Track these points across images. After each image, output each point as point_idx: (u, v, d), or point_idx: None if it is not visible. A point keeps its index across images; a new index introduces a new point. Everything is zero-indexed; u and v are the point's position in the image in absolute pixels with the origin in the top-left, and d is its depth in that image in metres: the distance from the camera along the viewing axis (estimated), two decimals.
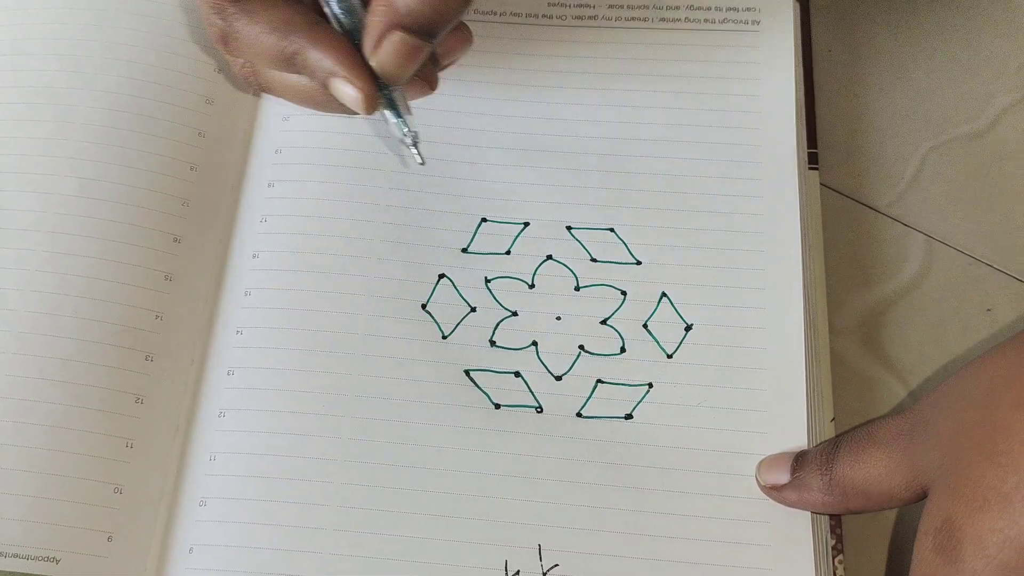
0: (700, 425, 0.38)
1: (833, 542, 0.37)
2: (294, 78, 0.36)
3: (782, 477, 0.36)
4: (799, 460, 0.36)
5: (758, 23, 0.44)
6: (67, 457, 0.37)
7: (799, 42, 0.45)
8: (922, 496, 0.32)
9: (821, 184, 0.44)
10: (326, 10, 0.35)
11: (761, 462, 0.37)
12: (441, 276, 0.41)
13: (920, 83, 0.47)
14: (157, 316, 0.40)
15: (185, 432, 0.39)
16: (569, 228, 0.42)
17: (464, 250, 0.42)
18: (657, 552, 0.36)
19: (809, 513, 0.37)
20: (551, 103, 0.44)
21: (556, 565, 0.36)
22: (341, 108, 0.36)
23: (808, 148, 0.43)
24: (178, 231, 0.41)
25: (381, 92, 0.35)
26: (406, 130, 0.37)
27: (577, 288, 0.41)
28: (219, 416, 0.39)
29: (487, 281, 0.41)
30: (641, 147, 0.43)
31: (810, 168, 0.43)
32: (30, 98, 0.42)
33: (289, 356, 0.40)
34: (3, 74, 0.43)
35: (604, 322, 0.40)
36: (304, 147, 0.44)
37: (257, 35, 0.34)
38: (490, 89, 0.44)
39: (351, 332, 0.40)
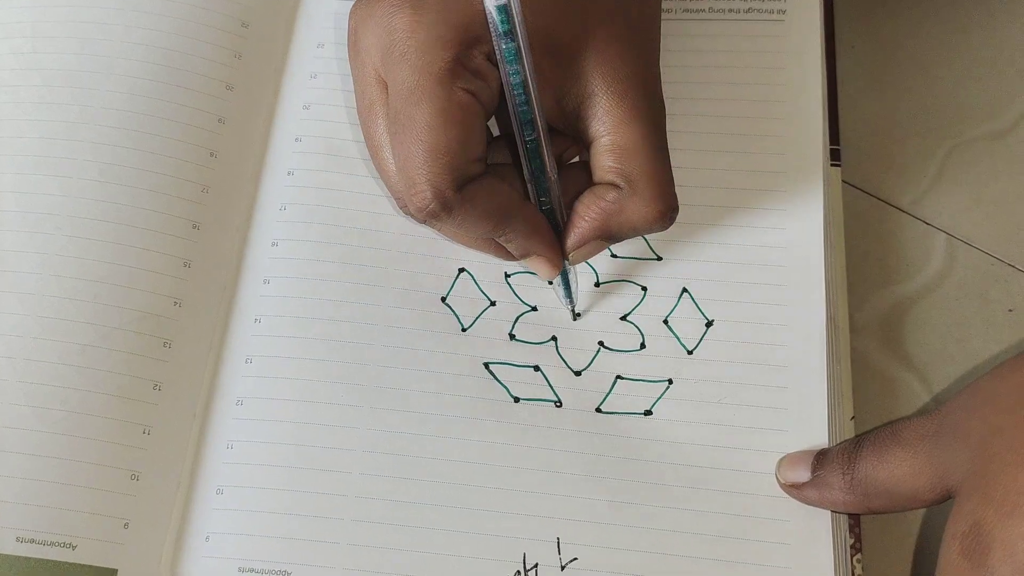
0: (720, 422, 0.38)
1: (852, 541, 0.37)
2: (490, 246, 0.37)
3: (803, 475, 0.36)
4: (820, 459, 0.36)
5: (783, 12, 0.44)
6: (84, 443, 0.37)
7: (822, 38, 0.44)
8: (946, 498, 0.32)
9: (843, 181, 0.44)
10: (530, 190, 0.36)
11: (781, 460, 0.37)
12: (461, 270, 0.41)
13: (943, 81, 0.46)
14: (176, 303, 0.40)
15: (202, 420, 0.39)
16: None
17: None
18: (675, 547, 0.36)
19: (828, 512, 0.36)
20: None
21: (575, 559, 0.36)
22: (506, 257, 0.38)
23: (831, 145, 0.43)
24: (197, 218, 0.41)
25: None
26: (570, 298, 0.40)
27: (597, 284, 0.41)
28: (237, 404, 0.39)
29: (507, 275, 0.41)
30: None
31: (832, 165, 0.43)
32: (51, 82, 0.42)
33: (308, 345, 0.39)
34: (24, 57, 0.42)
35: (624, 318, 0.40)
36: (325, 137, 0.43)
37: (473, 222, 0.34)
38: None
39: (370, 323, 0.40)
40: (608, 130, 0.34)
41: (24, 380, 0.37)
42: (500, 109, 0.35)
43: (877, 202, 0.44)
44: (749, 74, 0.43)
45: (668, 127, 0.42)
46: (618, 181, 0.35)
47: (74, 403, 0.37)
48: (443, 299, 0.41)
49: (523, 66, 0.33)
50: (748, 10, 0.45)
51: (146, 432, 0.38)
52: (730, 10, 0.45)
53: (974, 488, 0.30)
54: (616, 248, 0.41)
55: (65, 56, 0.42)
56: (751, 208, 0.41)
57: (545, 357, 0.40)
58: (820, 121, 0.42)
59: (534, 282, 0.41)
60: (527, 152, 0.35)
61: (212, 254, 0.41)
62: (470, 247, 0.38)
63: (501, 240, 0.36)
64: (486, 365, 0.39)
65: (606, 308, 0.40)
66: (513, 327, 0.40)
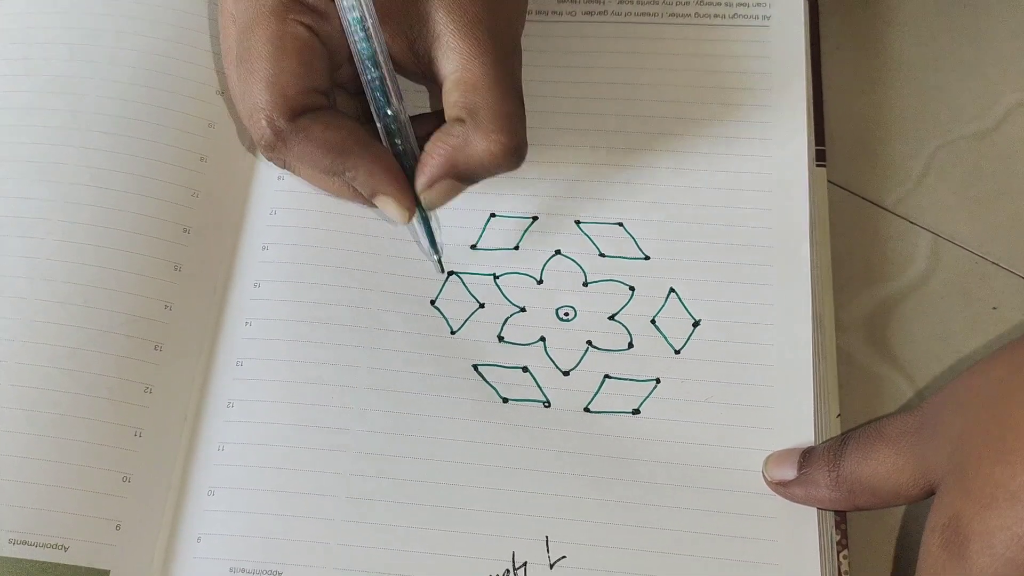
0: (707, 420, 0.38)
1: (838, 537, 0.37)
2: (336, 182, 0.37)
3: (789, 473, 0.36)
4: (806, 456, 0.36)
5: (768, 18, 0.45)
6: (76, 445, 0.37)
7: (808, 39, 0.45)
8: (930, 493, 0.33)
9: (828, 181, 0.44)
10: (378, 125, 0.36)
11: (768, 458, 0.37)
12: (450, 273, 0.41)
13: (928, 82, 0.47)
14: (166, 306, 0.40)
15: (194, 422, 0.39)
16: (578, 222, 0.42)
17: (473, 247, 0.42)
18: (663, 545, 0.37)
19: (815, 509, 0.37)
20: (559, 98, 0.44)
21: (563, 557, 0.37)
22: (361, 201, 0.37)
23: (816, 145, 0.44)
24: (188, 222, 0.41)
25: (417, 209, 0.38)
26: (434, 245, 0.40)
27: (585, 284, 0.41)
28: (228, 406, 0.39)
29: (496, 277, 0.41)
30: (650, 141, 0.43)
31: (818, 165, 0.43)
32: (41, 87, 0.42)
33: (298, 348, 0.40)
34: (15, 63, 0.43)
35: (612, 317, 0.40)
36: None
37: (311, 152, 0.35)
38: None
39: (360, 326, 0.40)
40: (455, 68, 0.35)
41: (15, 383, 0.37)
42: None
43: (862, 202, 0.45)
44: (735, 78, 0.44)
45: (655, 129, 0.43)
46: (462, 115, 0.35)
47: (65, 406, 0.37)
48: (432, 302, 0.41)
49: (360, 2, 0.34)
50: (733, 15, 0.45)
51: (137, 434, 0.38)
52: (716, 15, 0.45)
53: (953, 482, 0.31)
54: (604, 248, 0.41)
55: (55, 62, 0.43)
56: (738, 208, 0.41)
57: (533, 358, 0.40)
58: (805, 123, 0.43)
59: (522, 283, 0.41)
60: (372, 91, 0.35)
61: (203, 258, 0.41)
62: (323, 188, 0.38)
63: (347, 178, 0.36)
64: (475, 367, 0.40)
65: (594, 308, 0.40)
66: (502, 329, 0.40)
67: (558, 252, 0.41)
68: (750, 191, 0.42)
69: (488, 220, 0.42)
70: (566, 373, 0.40)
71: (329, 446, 0.38)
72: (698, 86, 0.44)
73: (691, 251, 0.41)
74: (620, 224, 0.42)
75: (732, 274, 0.40)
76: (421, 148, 0.37)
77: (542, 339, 0.40)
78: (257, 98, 0.34)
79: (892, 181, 0.45)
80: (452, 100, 0.35)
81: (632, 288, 0.41)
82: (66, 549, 0.36)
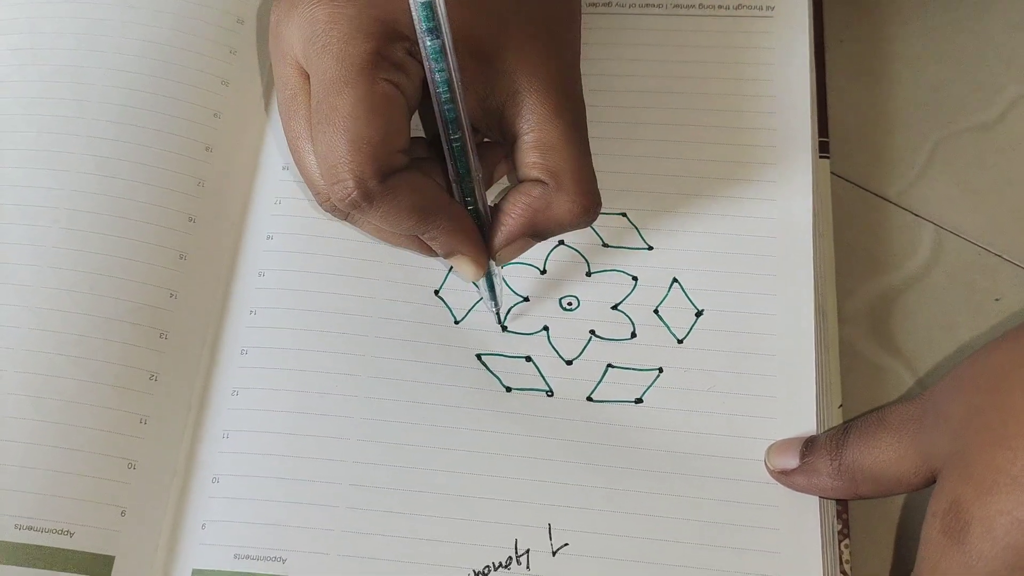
0: (709, 410, 0.39)
1: (840, 527, 0.37)
2: (414, 242, 0.37)
3: (791, 462, 0.36)
4: (808, 445, 0.36)
5: (772, 9, 0.45)
6: (81, 432, 0.37)
7: (811, 32, 0.45)
8: (932, 481, 0.33)
9: (832, 173, 0.44)
10: (455, 190, 0.36)
11: (770, 447, 0.38)
12: None
13: (931, 74, 0.47)
14: (172, 295, 0.40)
15: (198, 409, 0.39)
16: None
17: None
18: (665, 533, 0.37)
19: (816, 498, 0.37)
20: None
21: (566, 544, 0.37)
22: (427, 254, 0.38)
23: (819, 137, 0.44)
24: (193, 211, 0.42)
25: None
26: (494, 300, 0.40)
27: (588, 274, 0.41)
28: (232, 395, 0.39)
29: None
30: (654, 132, 0.43)
31: (821, 157, 0.44)
32: (48, 77, 0.42)
33: (303, 336, 0.40)
34: (22, 53, 0.43)
35: (615, 307, 0.41)
36: None
37: (396, 215, 0.34)
38: None
39: (364, 315, 0.40)
40: (531, 128, 0.35)
41: (21, 370, 0.38)
42: (423, 109, 0.36)
43: (865, 193, 0.45)
44: (738, 69, 0.44)
45: (658, 120, 0.43)
46: (543, 177, 0.35)
47: (71, 393, 0.38)
48: (436, 292, 0.41)
49: (448, 64, 0.33)
50: (737, 7, 0.45)
51: (143, 421, 0.38)
52: (720, 7, 0.45)
53: (954, 468, 0.31)
54: (608, 238, 0.41)
55: (62, 53, 0.43)
56: (741, 199, 0.42)
57: (537, 347, 0.40)
58: (809, 114, 0.43)
59: (526, 273, 0.41)
60: (452, 152, 0.35)
61: (207, 247, 0.41)
62: (394, 244, 0.38)
63: (426, 237, 0.36)
64: (479, 356, 0.40)
65: (597, 297, 0.41)
66: (505, 318, 0.41)
67: (561, 242, 0.41)
68: (753, 182, 0.42)
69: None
70: (569, 362, 0.40)
71: (333, 434, 0.38)
72: (702, 77, 0.44)
73: (694, 242, 0.41)
74: (623, 215, 0.42)
75: (735, 264, 0.41)
76: None
77: (545, 328, 0.40)
78: (345, 157, 0.33)
79: (895, 173, 0.45)
80: (530, 160, 0.35)
81: (635, 278, 0.41)
82: (71, 535, 0.36)
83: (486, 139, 0.38)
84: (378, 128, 0.33)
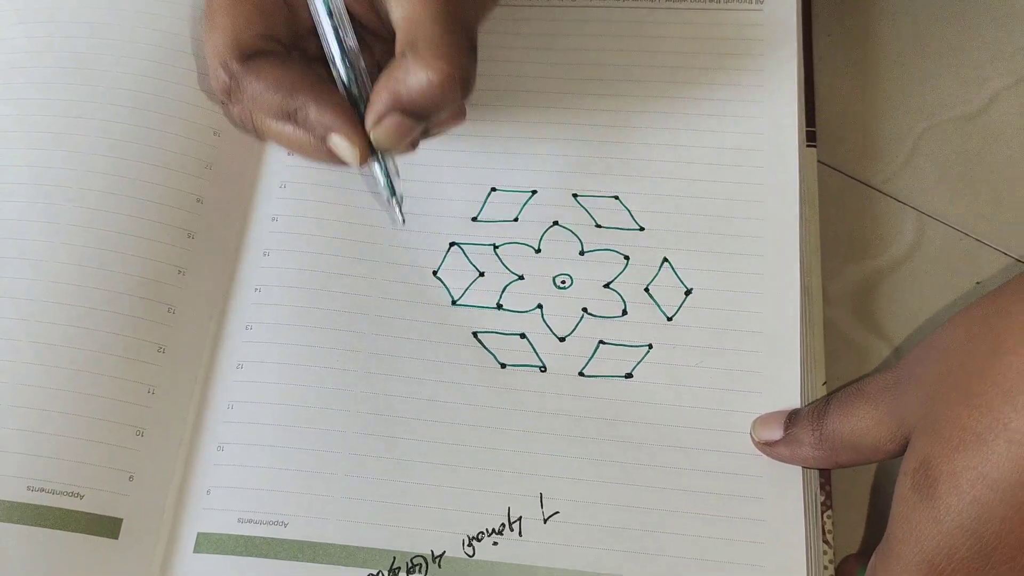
0: (697, 384, 0.40)
1: (823, 498, 0.39)
2: (290, 128, 0.38)
3: (775, 433, 0.38)
4: (792, 417, 0.38)
5: (761, 2, 0.46)
6: (92, 400, 0.39)
7: (800, 23, 0.46)
8: (905, 447, 0.34)
9: (819, 162, 0.46)
10: (334, 72, 0.38)
11: (756, 420, 0.39)
12: (452, 244, 0.43)
13: (916, 67, 0.48)
14: (179, 271, 0.42)
15: (204, 381, 0.41)
16: (575, 195, 0.43)
17: (474, 219, 0.43)
18: (653, 502, 0.38)
19: (800, 469, 0.38)
20: (558, 78, 0.45)
21: (557, 512, 0.38)
22: (330, 159, 0.38)
23: (807, 127, 0.45)
24: (201, 192, 0.43)
25: (372, 153, 0.38)
26: (392, 192, 0.40)
27: (582, 253, 0.43)
28: (237, 368, 0.41)
29: (495, 247, 0.43)
30: (646, 119, 0.44)
31: (808, 146, 0.45)
32: (63, 63, 0.44)
33: (305, 313, 0.41)
34: (37, 40, 0.44)
35: (607, 286, 0.42)
36: None
37: (262, 92, 0.37)
38: (499, 67, 0.46)
39: (365, 294, 0.42)
40: (399, 5, 0.36)
41: (35, 340, 0.39)
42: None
43: (851, 181, 0.46)
44: (728, 60, 0.45)
45: (651, 108, 0.44)
46: (403, 49, 0.35)
47: (82, 362, 0.39)
48: (435, 273, 0.43)
49: None
50: (727, 0, 0.47)
51: (151, 391, 0.40)
52: None
53: (924, 428, 0.32)
54: (600, 219, 0.43)
55: (77, 40, 0.45)
56: (730, 183, 0.43)
57: (531, 324, 0.41)
58: (796, 104, 0.44)
59: (521, 252, 0.43)
60: (324, 35, 0.37)
61: (214, 226, 0.43)
62: (282, 140, 0.38)
63: (299, 119, 0.37)
64: (474, 334, 0.41)
65: (590, 276, 0.42)
66: (501, 296, 0.42)
67: (556, 223, 0.43)
68: (742, 167, 0.43)
69: (489, 194, 0.44)
70: (562, 339, 0.41)
71: (332, 406, 0.40)
72: (693, 67, 0.45)
73: (684, 223, 0.42)
74: (616, 197, 0.43)
75: (723, 245, 0.42)
76: None
77: (539, 306, 0.42)
78: (215, 45, 0.37)
79: (881, 161, 0.46)
80: (397, 38, 0.36)
81: (627, 257, 0.42)
82: (81, 497, 0.38)
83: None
84: (242, 14, 0.36)
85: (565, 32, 0.46)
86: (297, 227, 0.43)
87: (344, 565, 0.37)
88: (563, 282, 0.42)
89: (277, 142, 0.39)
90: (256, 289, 0.42)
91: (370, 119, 0.36)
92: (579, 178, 0.44)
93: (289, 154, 0.45)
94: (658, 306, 0.41)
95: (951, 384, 0.31)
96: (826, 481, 0.39)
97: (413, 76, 0.35)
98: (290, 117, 0.37)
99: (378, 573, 0.37)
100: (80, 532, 0.37)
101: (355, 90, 0.37)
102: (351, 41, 0.37)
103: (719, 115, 0.44)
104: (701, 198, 0.43)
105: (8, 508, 0.37)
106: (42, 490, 0.37)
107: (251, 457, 0.39)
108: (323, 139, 0.37)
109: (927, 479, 0.31)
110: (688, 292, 0.41)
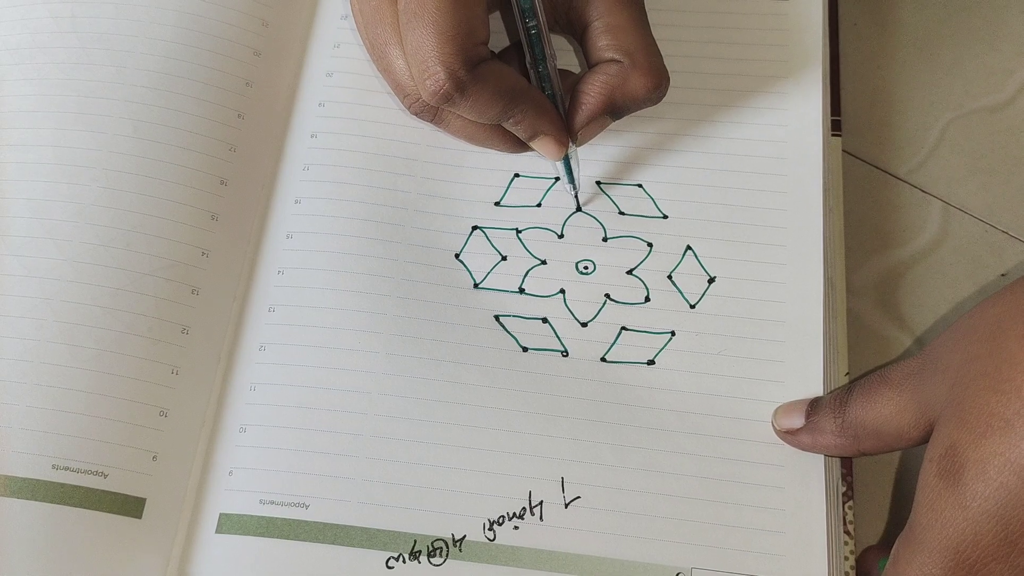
0: (719, 372, 0.40)
1: (844, 488, 0.39)
2: (499, 131, 0.39)
3: (797, 421, 0.38)
4: (814, 405, 0.38)
5: None
6: (116, 380, 0.39)
7: (826, 13, 0.46)
8: (929, 435, 0.34)
9: (844, 151, 0.45)
10: (532, 73, 0.39)
11: (777, 408, 0.39)
12: (474, 228, 0.43)
13: (943, 57, 0.48)
14: (204, 253, 0.42)
15: (227, 363, 0.41)
16: (599, 183, 0.43)
17: (497, 203, 0.43)
18: (674, 489, 0.38)
19: (822, 458, 0.38)
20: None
21: (578, 497, 0.38)
22: (508, 147, 0.40)
23: (832, 116, 0.45)
24: (225, 174, 0.43)
25: None
26: (573, 183, 0.42)
27: (605, 239, 0.42)
28: (260, 349, 0.41)
29: (518, 232, 0.43)
30: (671, 109, 0.44)
31: (833, 135, 0.45)
32: (88, 44, 0.44)
33: (327, 296, 0.41)
34: (63, 21, 0.45)
35: (630, 272, 0.42)
36: (346, 103, 0.45)
37: (487, 100, 0.37)
38: None
39: (387, 276, 0.42)
40: (600, 13, 0.38)
41: (60, 320, 0.39)
42: (503, 14, 0.39)
43: (876, 171, 0.46)
44: (755, 50, 0.45)
45: (677, 98, 0.44)
46: (618, 56, 0.38)
47: (107, 343, 0.39)
48: (457, 255, 0.43)
49: None
50: None
51: (174, 372, 0.40)
52: None
53: (950, 415, 0.32)
54: (624, 207, 0.43)
55: (101, 20, 0.45)
56: (754, 173, 0.43)
57: (553, 309, 0.41)
58: (821, 93, 0.44)
59: (544, 237, 0.43)
60: (528, 39, 0.38)
61: (238, 209, 0.43)
62: (476, 141, 0.40)
63: (511, 122, 0.38)
64: (496, 317, 0.41)
65: (613, 262, 0.42)
66: (523, 281, 0.42)
67: (579, 209, 0.43)
68: (767, 157, 0.43)
69: (512, 180, 0.44)
70: (584, 324, 0.41)
71: (354, 388, 0.40)
72: (719, 57, 0.45)
73: (708, 212, 0.42)
74: (639, 186, 0.43)
75: (747, 234, 0.42)
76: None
77: (562, 291, 0.42)
78: (435, 51, 0.35)
79: (906, 152, 0.46)
80: (603, 43, 0.38)
81: (650, 244, 0.42)
82: (105, 476, 0.38)
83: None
84: (463, 21, 0.35)
85: None
86: (320, 209, 0.43)
87: (365, 547, 0.38)
88: (586, 268, 0.42)
89: (471, 141, 0.40)
90: (279, 271, 0.42)
91: (582, 118, 0.39)
92: (603, 166, 0.44)
93: (312, 136, 0.45)
94: (681, 293, 0.41)
95: (978, 370, 0.31)
96: (848, 472, 0.39)
97: (632, 84, 0.38)
98: (502, 121, 0.38)
99: (399, 556, 0.37)
100: (104, 511, 0.37)
101: (548, 89, 0.39)
102: (550, 43, 0.39)
103: (744, 105, 0.44)
104: (725, 187, 0.43)
105: (33, 486, 0.37)
106: (67, 469, 0.38)
107: (273, 439, 0.39)
108: (530, 139, 0.39)
109: (953, 465, 0.31)
110: (711, 280, 0.41)
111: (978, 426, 0.30)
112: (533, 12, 0.38)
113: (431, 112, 0.38)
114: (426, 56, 0.35)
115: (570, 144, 0.40)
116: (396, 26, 0.37)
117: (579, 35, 0.40)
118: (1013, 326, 0.31)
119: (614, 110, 0.39)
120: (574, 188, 0.42)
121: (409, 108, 0.38)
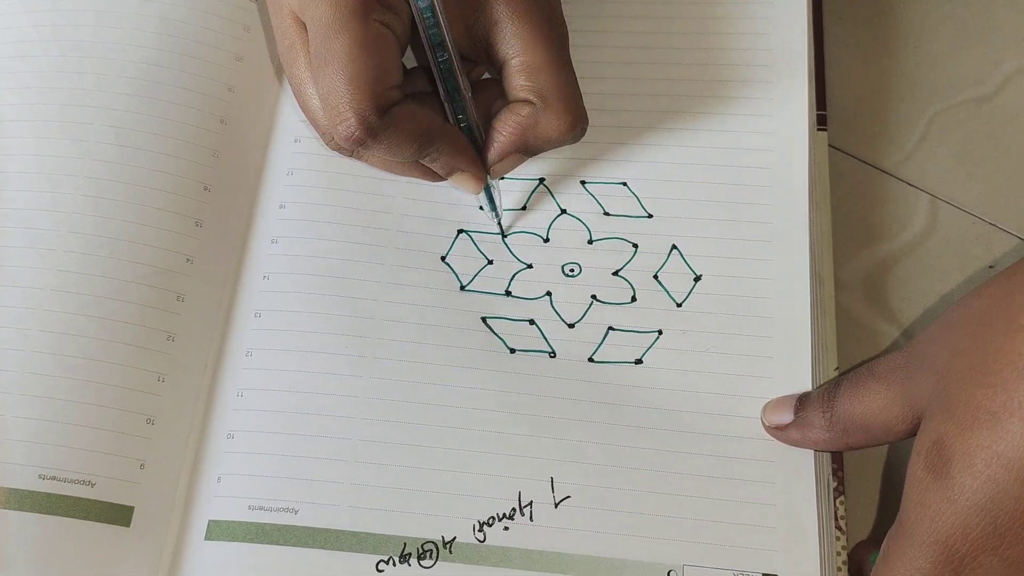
0: (708, 370, 0.40)
1: (835, 484, 0.38)
2: (416, 169, 0.39)
3: (786, 417, 0.38)
4: (802, 400, 0.38)
5: None
6: (102, 388, 0.39)
7: (810, 5, 0.46)
8: (917, 428, 0.34)
9: (830, 146, 0.45)
10: (448, 108, 0.38)
11: (766, 404, 0.39)
12: (460, 231, 0.43)
13: (929, 49, 0.48)
14: (188, 260, 0.42)
15: (214, 369, 0.41)
16: (583, 183, 0.43)
17: (481, 207, 0.43)
18: (664, 487, 0.38)
19: (812, 453, 0.38)
20: None
21: (568, 497, 0.38)
22: (430, 178, 0.40)
23: (817, 110, 0.45)
24: (208, 180, 0.43)
25: None
26: (495, 212, 0.42)
27: (590, 241, 0.42)
28: (246, 355, 0.41)
29: (503, 236, 0.43)
30: (654, 105, 0.44)
31: (819, 129, 0.45)
32: (69, 52, 0.44)
33: (313, 300, 0.41)
34: (43, 29, 0.44)
35: (616, 273, 0.42)
36: None
37: (400, 143, 0.36)
38: None
39: (373, 280, 0.42)
40: (517, 52, 0.37)
41: (45, 329, 0.39)
42: (414, 44, 0.38)
43: (862, 165, 0.46)
44: (739, 44, 0.45)
45: (660, 92, 0.44)
46: (531, 97, 0.37)
47: (92, 351, 0.39)
48: (443, 258, 0.42)
49: None
50: None
51: (161, 379, 0.40)
52: None
53: (937, 408, 0.32)
54: (609, 207, 0.43)
55: (82, 28, 0.44)
56: (739, 168, 0.43)
57: (540, 311, 0.41)
58: (806, 87, 0.44)
59: (529, 242, 0.43)
60: (441, 73, 0.37)
61: (222, 215, 0.43)
62: (397, 173, 0.40)
63: (427, 161, 0.38)
64: (484, 319, 0.41)
65: (599, 264, 0.42)
66: (509, 284, 0.42)
67: (564, 211, 0.43)
68: (751, 152, 0.43)
69: (496, 181, 0.43)
70: (571, 325, 0.41)
71: (342, 392, 0.40)
72: (703, 51, 0.45)
73: (693, 209, 0.42)
74: (624, 184, 0.43)
75: (733, 231, 0.42)
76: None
77: (548, 294, 0.42)
78: (346, 97, 0.35)
79: (892, 145, 0.46)
80: (518, 83, 0.37)
81: (635, 245, 0.42)
82: (93, 485, 0.38)
83: (486, 75, 0.41)
84: (373, 66, 0.35)
85: (572, 15, 0.46)
86: (305, 214, 0.43)
87: (354, 551, 0.37)
88: (572, 270, 0.42)
89: (391, 172, 0.40)
90: (264, 276, 0.42)
91: (494, 156, 0.39)
92: (587, 165, 0.43)
93: (296, 140, 0.45)
94: (667, 293, 0.41)
95: (964, 363, 0.31)
96: (839, 467, 0.39)
97: (544, 126, 0.38)
98: (419, 159, 0.38)
99: (389, 559, 0.37)
100: (92, 520, 0.37)
101: (463, 120, 0.39)
102: (464, 76, 0.38)
103: (728, 98, 0.44)
104: (710, 184, 0.42)
105: (20, 496, 0.37)
106: (53, 478, 0.37)
107: (261, 444, 0.39)
108: (447, 175, 0.39)
109: (940, 459, 0.30)
110: (697, 279, 0.41)
111: (965, 419, 0.30)
112: (443, 47, 0.37)
113: (348, 150, 0.37)
114: (337, 102, 0.35)
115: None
116: (309, 67, 0.37)
117: (497, 70, 0.39)
118: (998, 319, 0.31)
119: (526, 150, 0.39)
120: (496, 216, 0.42)
121: (327, 144, 0.38)
